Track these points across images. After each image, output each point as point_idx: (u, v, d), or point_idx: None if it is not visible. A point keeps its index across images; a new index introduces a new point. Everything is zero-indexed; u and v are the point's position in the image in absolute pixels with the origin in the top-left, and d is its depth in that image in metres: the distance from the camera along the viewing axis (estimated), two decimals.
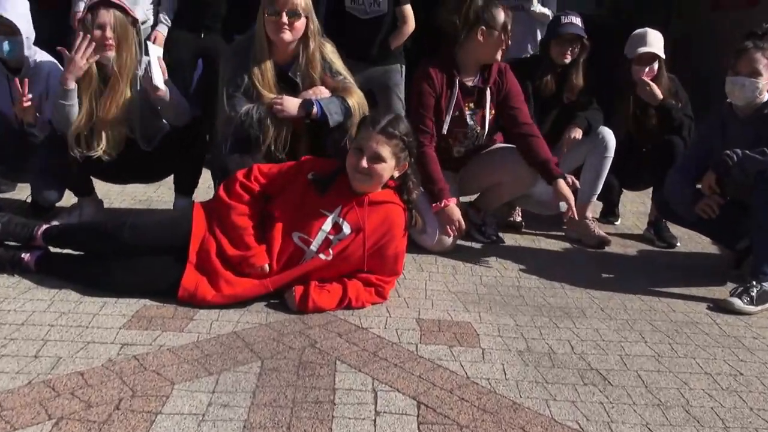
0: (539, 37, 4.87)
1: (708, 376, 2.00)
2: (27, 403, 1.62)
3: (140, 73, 2.80)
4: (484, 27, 2.98)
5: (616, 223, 3.83)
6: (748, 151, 2.68)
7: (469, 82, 3.09)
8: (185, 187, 3.14)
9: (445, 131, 3.07)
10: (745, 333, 2.37)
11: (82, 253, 2.40)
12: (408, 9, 4.16)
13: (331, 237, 2.29)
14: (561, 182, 2.94)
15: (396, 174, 2.34)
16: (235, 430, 1.57)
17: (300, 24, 2.64)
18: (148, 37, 3.84)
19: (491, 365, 1.98)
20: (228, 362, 1.88)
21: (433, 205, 2.90)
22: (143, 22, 3.92)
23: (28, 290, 2.29)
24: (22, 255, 2.39)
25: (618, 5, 7.42)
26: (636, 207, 4.15)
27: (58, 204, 3.12)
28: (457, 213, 2.91)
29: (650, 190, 3.59)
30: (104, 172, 2.95)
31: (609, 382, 1.92)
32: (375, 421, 1.64)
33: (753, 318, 2.52)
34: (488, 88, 3.09)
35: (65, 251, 2.44)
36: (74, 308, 2.17)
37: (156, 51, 2.77)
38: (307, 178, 2.32)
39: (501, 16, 3.00)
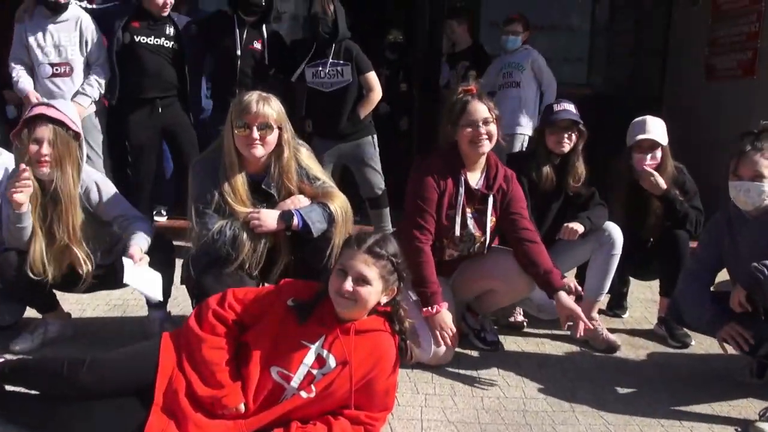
0: (531, 113, 4.84)
1: None
2: None
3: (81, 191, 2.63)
4: (462, 124, 2.82)
5: (623, 316, 3.60)
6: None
7: (474, 184, 2.90)
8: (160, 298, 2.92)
9: (457, 233, 2.86)
10: None
11: (37, 392, 2.15)
12: (372, 76, 4.10)
13: (314, 371, 2.04)
14: (563, 295, 2.69)
15: (384, 299, 2.11)
16: None
17: (272, 137, 2.45)
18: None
19: None
20: None
21: (424, 310, 2.67)
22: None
23: None
24: None
25: (612, 76, 7.39)
26: (644, 293, 3.92)
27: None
28: (449, 319, 2.67)
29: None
30: (67, 285, 2.73)
31: None
32: None
33: None
34: (492, 195, 2.90)
35: (20, 390, 2.19)
36: None
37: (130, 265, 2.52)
38: (287, 304, 2.10)
39: (471, 113, 2.81)
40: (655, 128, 3.26)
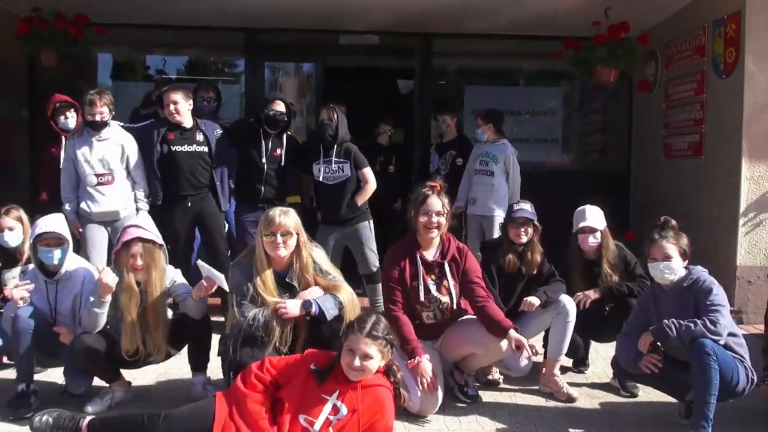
0: (502, 197, 5.59)
1: None
2: None
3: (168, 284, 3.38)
4: (421, 212, 3.60)
5: (585, 372, 4.28)
6: (682, 321, 3.20)
7: (429, 257, 3.65)
8: (200, 365, 3.63)
9: (422, 299, 3.58)
10: None
11: None
12: (368, 171, 4.90)
13: (331, 417, 2.75)
14: (512, 332, 3.38)
15: (383, 363, 2.83)
16: None
17: (292, 241, 3.24)
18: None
19: None
20: None
21: (408, 362, 3.35)
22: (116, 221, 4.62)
23: None
24: None
25: (583, 154, 8.24)
26: (607, 352, 4.57)
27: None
28: (428, 367, 3.34)
29: None
30: (127, 363, 3.44)
31: None
32: None
33: None
34: (446, 263, 3.64)
35: None
36: None
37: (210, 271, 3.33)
38: (310, 368, 2.82)
39: (428, 206, 3.59)
40: (593, 216, 4.03)
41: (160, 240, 3.43)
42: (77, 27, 5.77)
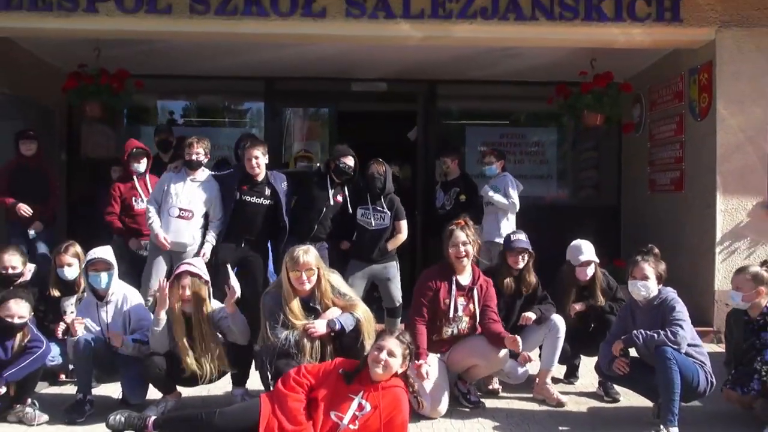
0: (506, 225, 6.18)
1: None
2: None
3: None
4: (450, 245, 4.24)
5: (575, 383, 4.84)
6: (648, 332, 3.79)
7: (463, 282, 4.27)
8: (241, 381, 4.19)
9: (452, 315, 4.21)
10: None
11: None
12: (404, 223, 5.50)
13: (357, 413, 3.33)
14: (507, 335, 4.01)
15: (401, 370, 3.42)
16: None
17: (314, 276, 3.86)
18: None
19: None
20: None
21: (415, 363, 3.88)
22: (190, 245, 5.22)
23: None
24: None
25: (577, 189, 8.88)
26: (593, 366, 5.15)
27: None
28: (427, 369, 3.89)
29: None
30: (186, 381, 4.03)
31: None
32: None
33: None
34: (475, 288, 4.25)
35: None
36: None
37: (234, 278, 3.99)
38: (339, 373, 3.41)
39: (455, 239, 4.23)
40: (589, 250, 4.63)
41: (206, 276, 4.04)
42: (119, 81, 6.47)
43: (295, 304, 3.84)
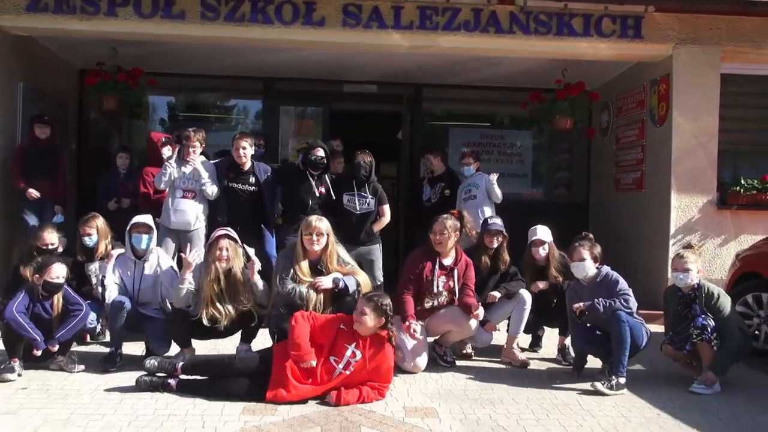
0: (486, 214, 6.86)
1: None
2: None
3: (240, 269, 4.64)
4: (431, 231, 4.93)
5: (538, 351, 5.55)
6: (607, 300, 4.52)
7: (446, 263, 4.94)
8: (249, 338, 4.83)
9: (433, 290, 4.87)
10: (600, 406, 4.03)
11: (206, 377, 4.07)
12: (387, 208, 6.14)
13: (351, 360, 4.00)
14: (474, 307, 4.75)
15: (372, 323, 4.05)
16: None
17: (323, 240, 4.52)
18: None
19: (444, 426, 3.62)
20: (304, 427, 3.52)
21: (404, 324, 4.57)
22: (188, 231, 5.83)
23: (176, 401, 3.92)
24: (169, 381, 4.05)
25: (550, 187, 9.61)
26: (555, 340, 5.85)
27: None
28: (417, 327, 4.56)
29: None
30: (202, 334, 4.67)
31: (506, 429, 3.57)
32: None
33: (606, 398, 4.21)
34: (456, 269, 4.93)
35: (194, 377, 4.10)
36: (207, 407, 3.81)
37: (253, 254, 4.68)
38: (339, 327, 4.08)
39: (435, 226, 4.91)
40: (543, 232, 5.33)
41: (239, 241, 4.71)
42: (134, 78, 7.09)
43: (305, 264, 4.50)
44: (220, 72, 8.49)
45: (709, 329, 4.49)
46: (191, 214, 5.90)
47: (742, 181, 7.04)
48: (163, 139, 6.53)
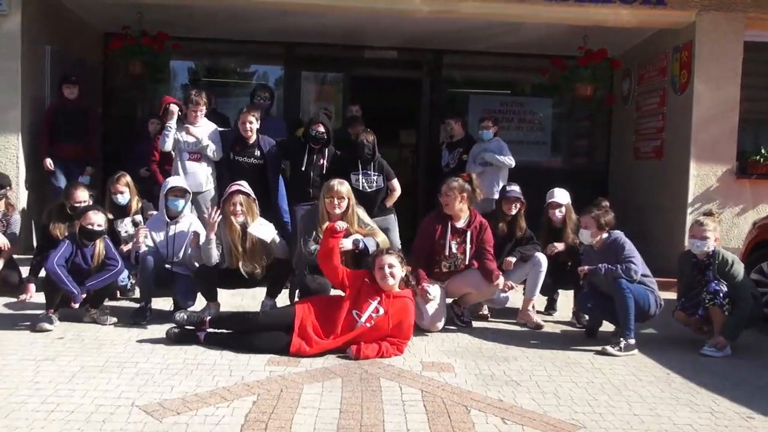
0: (502, 183, 6.94)
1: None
2: (213, 393, 3.42)
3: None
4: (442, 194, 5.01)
5: (554, 314, 5.68)
6: (609, 266, 4.61)
7: (458, 225, 5.04)
8: (274, 293, 4.99)
9: (447, 253, 4.98)
10: (611, 365, 4.16)
11: (231, 331, 4.26)
12: (396, 182, 6.20)
13: (373, 315, 4.15)
14: (496, 275, 4.88)
15: (403, 273, 4.24)
16: (336, 404, 3.34)
17: (344, 203, 4.67)
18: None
19: (459, 379, 3.78)
20: (326, 378, 3.69)
21: (419, 288, 4.66)
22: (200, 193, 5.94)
23: (203, 352, 4.11)
24: (197, 333, 4.25)
25: (570, 155, 9.63)
26: (570, 304, 5.98)
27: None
28: (432, 290, 4.71)
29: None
30: (229, 282, 4.86)
31: (519, 383, 3.72)
32: (402, 398, 3.44)
33: (617, 358, 4.34)
34: (469, 231, 5.04)
35: (221, 330, 4.29)
36: (233, 358, 4.00)
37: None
38: (364, 280, 4.23)
39: (451, 184, 4.97)
40: (560, 195, 5.43)
41: (254, 196, 4.86)
42: (159, 42, 7.19)
43: (327, 226, 4.64)
44: (242, 37, 8.55)
45: (721, 294, 4.58)
46: (201, 175, 6.04)
47: (763, 151, 7.03)
48: (170, 104, 6.42)
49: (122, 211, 5.49)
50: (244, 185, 4.88)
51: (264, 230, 4.73)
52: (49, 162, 6.65)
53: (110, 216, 5.38)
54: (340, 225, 4.29)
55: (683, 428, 3.24)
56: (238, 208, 4.73)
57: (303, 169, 6.08)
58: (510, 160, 6.90)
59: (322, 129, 6.09)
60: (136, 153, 7.03)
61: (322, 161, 6.13)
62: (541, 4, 6.86)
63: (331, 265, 4.26)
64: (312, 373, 3.77)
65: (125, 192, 5.46)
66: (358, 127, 6.85)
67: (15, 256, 5.66)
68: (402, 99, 9.32)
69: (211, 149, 6.04)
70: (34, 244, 6.25)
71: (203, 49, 9.02)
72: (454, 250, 5.02)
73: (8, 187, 5.68)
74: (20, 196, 6.61)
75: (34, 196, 6.92)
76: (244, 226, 4.75)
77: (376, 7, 6.95)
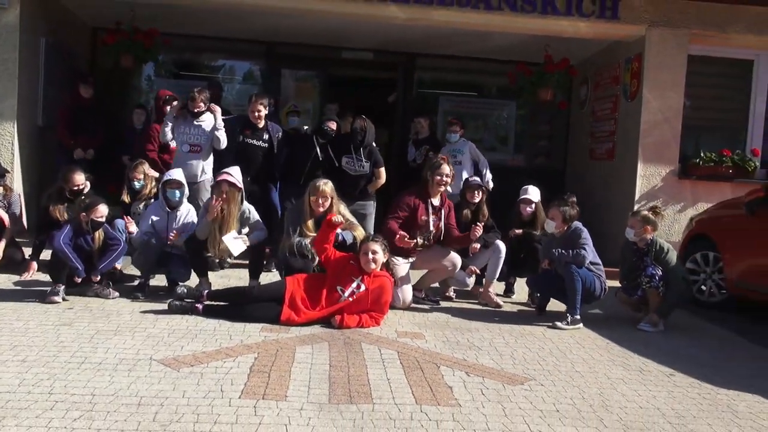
0: (464, 178, 7.54)
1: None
2: (218, 351, 3.95)
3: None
4: (436, 173, 5.60)
5: (512, 297, 6.32)
6: (562, 251, 5.25)
7: (435, 203, 5.64)
8: (256, 274, 5.53)
9: (431, 228, 5.58)
10: (560, 336, 4.80)
11: (227, 303, 4.77)
12: (382, 170, 6.75)
13: (355, 291, 4.71)
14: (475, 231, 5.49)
15: (385, 259, 4.81)
16: (325, 360, 3.90)
17: (327, 202, 5.20)
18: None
19: (429, 344, 4.37)
20: (314, 342, 4.24)
21: (396, 238, 5.26)
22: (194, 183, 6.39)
23: (203, 321, 4.62)
24: (196, 305, 4.75)
25: (531, 155, 10.32)
26: (526, 288, 6.61)
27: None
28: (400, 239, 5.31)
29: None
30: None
31: (480, 348, 4.33)
32: (381, 357, 4.01)
33: (565, 331, 4.98)
34: (443, 209, 5.64)
35: (218, 303, 4.80)
36: (231, 326, 4.52)
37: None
38: (350, 261, 4.79)
39: (443, 169, 5.60)
40: (533, 192, 6.07)
41: (239, 185, 5.35)
42: (149, 38, 7.61)
43: (310, 222, 5.19)
44: (226, 34, 9.00)
45: (657, 278, 5.27)
46: (197, 167, 6.50)
47: (702, 154, 7.78)
48: (167, 96, 7.07)
49: (137, 195, 6.07)
50: (233, 174, 5.36)
51: (234, 244, 5.23)
52: (79, 152, 7.14)
53: (128, 200, 5.98)
54: (337, 219, 4.85)
55: (615, 382, 3.89)
56: (223, 195, 5.21)
57: (306, 161, 6.56)
58: (488, 174, 7.55)
59: (333, 126, 6.70)
60: (126, 142, 7.46)
61: (322, 155, 6.63)
62: (508, 14, 7.49)
63: (323, 248, 4.84)
64: (302, 338, 4.32)
65: (141, 178, 6.07)
66: (348, 117, 7.37)
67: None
68: (376, 99, 9.88)
69: (220, 139, 6.48)
70: (25, 226, 6.63)
71: (188, 45, 9.44)
72: (431, 226, 5.61)
73: (6, 176, 6.18)
74: (15, 182, 6.98)
75: (30, 182, 7.29)
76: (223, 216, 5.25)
77: (358, 13, 7.49)
